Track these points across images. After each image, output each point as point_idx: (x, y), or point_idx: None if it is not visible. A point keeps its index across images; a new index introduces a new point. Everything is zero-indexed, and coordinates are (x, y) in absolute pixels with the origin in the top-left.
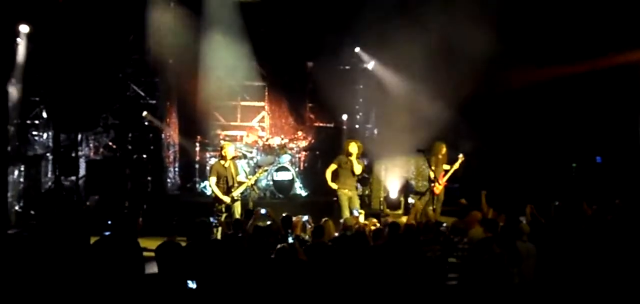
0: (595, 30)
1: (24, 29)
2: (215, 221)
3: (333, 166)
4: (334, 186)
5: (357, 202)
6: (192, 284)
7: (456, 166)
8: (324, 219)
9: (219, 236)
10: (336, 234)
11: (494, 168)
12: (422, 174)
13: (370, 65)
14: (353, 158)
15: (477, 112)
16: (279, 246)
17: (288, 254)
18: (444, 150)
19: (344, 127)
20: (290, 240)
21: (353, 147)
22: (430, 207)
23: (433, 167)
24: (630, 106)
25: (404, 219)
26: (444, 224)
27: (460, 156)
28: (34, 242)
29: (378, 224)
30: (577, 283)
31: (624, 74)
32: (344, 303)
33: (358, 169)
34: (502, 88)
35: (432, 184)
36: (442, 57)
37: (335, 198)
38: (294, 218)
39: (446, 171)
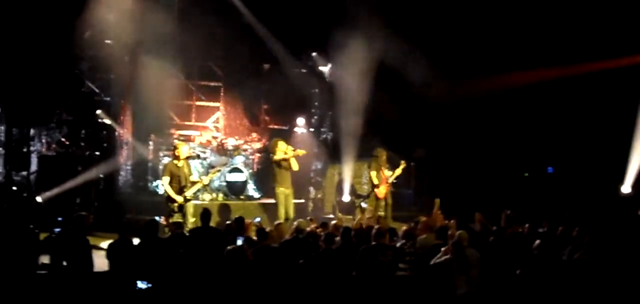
0: (550, 40)
1: None
2: (160, 219)
3: (276, 169)
4: (283, 189)
5: (292, 200)
6: (141, 285)
7: (398, 171)
8: (276, 222)
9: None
10: (288, 236)
11: (446, 175)
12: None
13: (326, 69)
14: (291, 156)
15: (431, 120)
16: (229, 247)
17: (237, 255)
18: (384, 156)
19: (295, 129)
20: (240, 242)
21: (283, 145)
22: (381, 213)
23: (375, 172)
24: (583, 117)
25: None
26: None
27: (402, 162)
28: None
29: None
30: (523, 291)
31: (577, 85)
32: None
33: (296, 166)
34: (457, 96)
35: (375, 189)
36: (396, 64)
37: (304, 199)
38: (246, 220)
39: (387, 177)
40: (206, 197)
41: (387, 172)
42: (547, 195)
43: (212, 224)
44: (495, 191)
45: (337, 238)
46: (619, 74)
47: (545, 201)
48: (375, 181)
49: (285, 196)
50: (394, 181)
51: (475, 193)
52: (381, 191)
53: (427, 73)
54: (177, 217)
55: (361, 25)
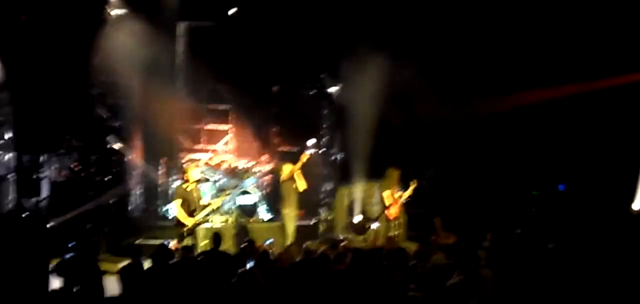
0: (559, 58)
1: None
2: (169, 244)
3: (284, 191)
4: (290, 209)
5: (294, 224)
6: None
7: (409, 192)
8: (287, 244)
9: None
10: (298, 258)
11: (456, 194)
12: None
13: (335, 90)
14: (297, 177)
15: (441, 139)
16: (239, 270)
17: (247, 278)
18: (396, 176)
19: (305, 151)
20: (249, 265)
21: (287, 167)
22: (393, 233)
23: (387, 193)
24: (594, 134)
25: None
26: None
27: (412, 181)
28: None
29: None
30: None
31: (588, 102)
32: None
33: (303, 185)
34: (466, 114)
35: (387, 210)
36: (405, 83)
37: (315, 221)
38: (257, 243)
39: (399, 197)
40: (217, 220)
41: (397, 193)
42: (558, 213)
43: (227, 247)
44: (506, 209)
45: (347, 260)
46: (630, 90)
47: (557, 218)
48: (387, 202)
49: (291, 218)
50: (407, 200)
51: (487, 212)
52: (392, 212)
53: (436, 92)
54: (188, 241)
55: (370, 46)
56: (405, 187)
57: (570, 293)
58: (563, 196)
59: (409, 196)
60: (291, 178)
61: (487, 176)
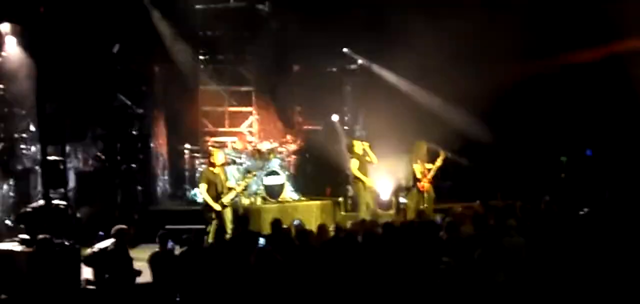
0: (583, 22)
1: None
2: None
3: (357, 162)
4: (368, 181)
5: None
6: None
7: (438, 163)
8: (319, 223)
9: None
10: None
11: (484, 164)
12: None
13: (357, 65)
14: (369, 151)
15: (467, 109)
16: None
17: (265, 256)
18: (424, 149)
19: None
20: (261, 242)
21: (359, 143)
22: (423, 206)
23: (417, 166)
24: (621, 98)
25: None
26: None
27: (441, 153)
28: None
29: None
30: (567, 277)
31: (614, 66)
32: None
33: (375, 159)
34: (492, 83)
35: (418, 183)
36: (429, 55)
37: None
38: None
39: (429, 170)
40: (244, 202)
41: (427, 165)
42: (586, 178)
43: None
44: (534, 177)
45: (378, 234)
46: None
47: (585, 184)
48: (418, 174)
49: (367, 189)
50: (436, 173)
51: (514, 180)
52: (423, 184)
53: (459, 61)
54: (215, 224)
55: (389, 18)
56: (432, 160)
57: (602, 259)
58: (591, 161)
59: (438, 169)
60: (364, 153)
61: (515, 143)
